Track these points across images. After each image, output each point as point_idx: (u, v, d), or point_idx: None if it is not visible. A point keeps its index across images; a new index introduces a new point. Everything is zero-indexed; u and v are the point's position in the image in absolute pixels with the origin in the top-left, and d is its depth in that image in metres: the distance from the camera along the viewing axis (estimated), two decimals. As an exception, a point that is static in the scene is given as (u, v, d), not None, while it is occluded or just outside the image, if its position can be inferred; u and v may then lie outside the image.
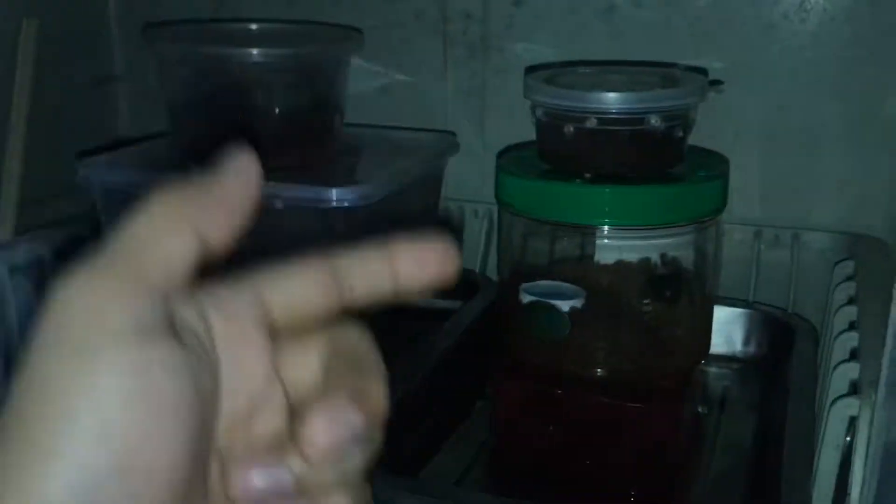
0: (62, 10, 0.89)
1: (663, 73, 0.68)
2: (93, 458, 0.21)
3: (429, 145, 0.78)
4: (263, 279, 0.26)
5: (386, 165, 0.71)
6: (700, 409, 0.70)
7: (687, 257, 0.63)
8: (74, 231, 0.80)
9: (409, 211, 0.75)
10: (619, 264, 0.62)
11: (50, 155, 0.84)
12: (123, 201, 0.67)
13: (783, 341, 0.74)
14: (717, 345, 0.73)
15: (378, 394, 0.25)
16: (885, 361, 0.46)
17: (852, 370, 0.57)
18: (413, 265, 0.28)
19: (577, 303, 0.60)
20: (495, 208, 0.71)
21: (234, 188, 0.25)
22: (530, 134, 0.66)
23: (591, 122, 0.60)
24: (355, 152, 0.79)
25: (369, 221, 0.66)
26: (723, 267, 0.77)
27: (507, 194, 0.64)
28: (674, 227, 0.61)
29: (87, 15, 0.95)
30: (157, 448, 0.22)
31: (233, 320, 0.25)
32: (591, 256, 0.63)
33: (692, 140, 0.65)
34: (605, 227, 0.60)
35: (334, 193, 0.62)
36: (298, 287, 0.26)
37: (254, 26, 0.79)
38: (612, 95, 0.59)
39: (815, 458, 0.56)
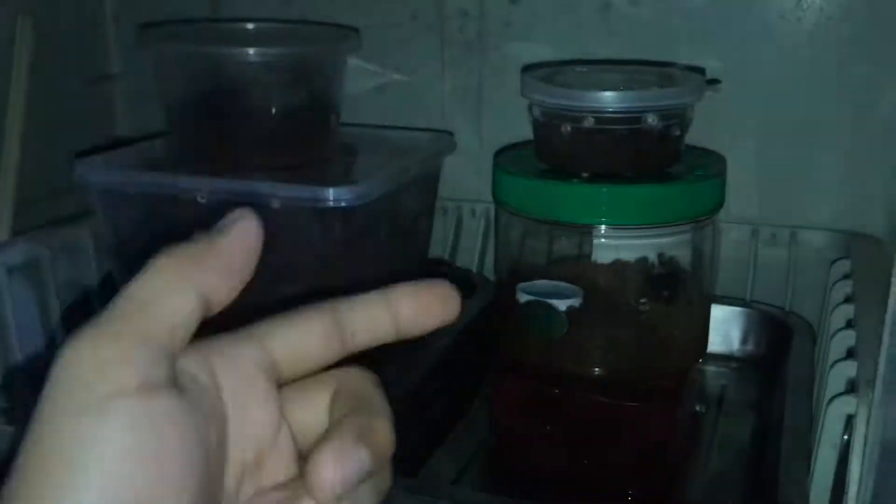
0: (58, 8, 0.89)
1: (660, 72, 0.68)
2: None
3: (426, 145, 0.78)
4: (268, 330, 0.27)
5: (383, 165, 0.71)
6: (698, 408, 0.71)
7: (684, 256, 0.63)
8: (72, 231, 0.80)
9: (406, 210, 0.75)
10: (617, 264, 0.62)
11: (47, 154, 0.84)
12: (120, 201, 0.67)
13: (781, 340, 0.74)
14: (715, 344, 0.74)
15: (385, 431, 0.26)
16: (882, 360, 0.46)
17: (849, 368, 0.57)
18: (414, 310, 0.28)
19: (575, 302, 0.60)
20: (493, 208, 0.71)
21: (235, 249, 0.26)
22: (528, 133, 0.66)
23: (589, 122, 0.60)
24: (352, 152, 0.79)
25: (366, 221, 0.66)
26: (720, 266, 0.77)
27: (504, 193, 0.63)
28: (671, 226, 0.61)
29: (84, 13, 0.95)
30: (164, 499, 0.22)
31: (239, 371, 0.26)
32: (589, 256, 0.62)
33: (689, 139, 0.65)
34: (603, 227, 0.60)
35: (331, 193, 0.61)
36: (302, 336, 0.27)
37: (250, 26, 0.79)
38: (609, 94, 0.59)
39: (813, 456, 0.56)
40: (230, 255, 0.26)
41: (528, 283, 0.62)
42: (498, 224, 0.67)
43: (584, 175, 0.61)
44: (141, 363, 0.23)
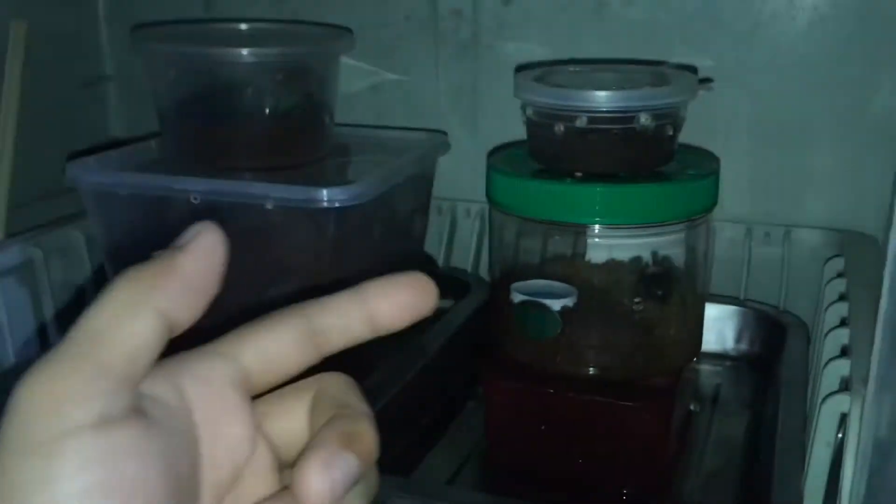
0: (51, 11, 0.89)
1: (653, 71, 0.68)
2: None
3: (420, 145, 0.78)
4: (237, 341, 0.26)
5: (377, 165, 0.71)
6: (692, 407, 0.71)
7: (678, 256, 0.63)
8: (65, 232, 0.80)
9: (401, 210, 0.75)
10: (611, 263, 0.62)
11: (40, 156, 0.83)
12: (113, 203, 0.67)
13: (775, 338, 0.74)
14: (709, 342, 0.74)
15: (368, 434, 0.25)
16: (875, 358, 0.46)
17: (843, 367, 0.57)
18: (388, 307, 0.27)
19: (569, 302, 0.60)
20: (487, 207, 0.71)
21: (196, 266, 0.25)
22: (522, 132, 0.66)
23: (582, 121, 0.60)
24: (346, 152, 0.79)
25: (360, 221, 0.65)
26: (714, 264, 0.77)
27: (498, 193, 0.63)
28: (665, 225, 0.61)
29: (77, 15, 0.95)
30: None
31: (209, 388, 0.25)
32: (583, 255, 0.62)
33: (682, 138, 0.65)
34: (596, 226, 0.60)
35: (325, 194, 0.61)
36: (273, 344, 0.26)
37: (243, 26, 0.79)
38: (602, 94, 0.59)
39: (807, 454, 0.56)
40: (191, 273, 0.24)
41: (522, 283, 0.62)
42: (492, 224, 0.67)
43: (578, 175, 0.61)
44: (98, 397, 0.22)
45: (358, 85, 0.89)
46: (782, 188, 0.80)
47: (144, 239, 0.69)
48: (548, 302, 0.60)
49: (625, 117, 0.60)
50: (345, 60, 0.80)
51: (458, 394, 0.73)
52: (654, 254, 0.63)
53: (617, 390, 0.60)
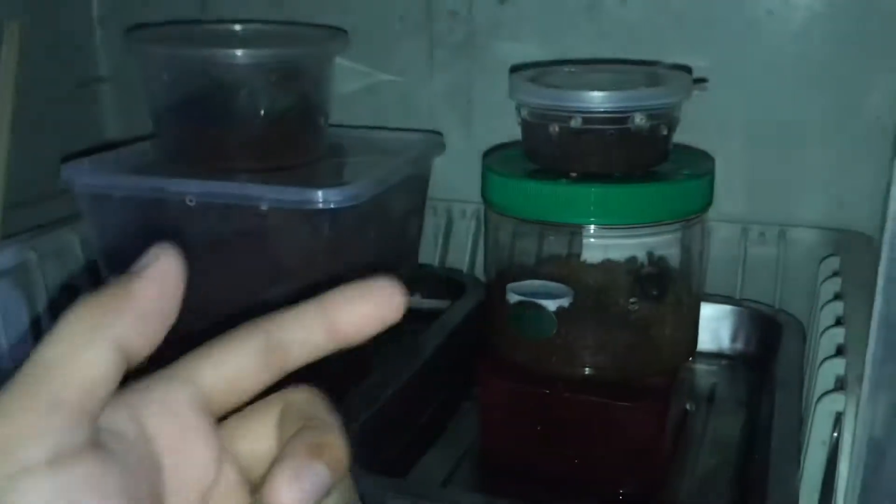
0: (45, 11, 0.89)
1: (648, 71, 0.68)
2: None
3: (415, 146, 0.78)
4: (196, 363, 0.26)
5: (372, 166, 0.71)
6: (688, 407, 0.71)
7: (674, 255, 0.63)
8: (61, 234, 0.80)
9: (396, 212, 0.75)
10: (606, 263, 0.62)
11: (35, 158, 0.83)
12: (108, 205, 0.67)
13: (770, 338, 0.74)
14: (705, 342, 0.74)
15: (337, 444, 0.25)
16: (869, 357, 0.46)
17: (838, 366, 0.57)
18: (351, 317, 0.26)
19: (565, 302, 0.60)
20: (482, 208, 0.71)
21: (153, 293, 0.24)
22: (517, 132, 0.66)
23: (576, 122, 0.60)
24: (341, 153, 0.79)
25: (355, 223, 0.65)
26: (710, 264, 0.77)
27: (493, 194, 0.63)
28: (660, 225, 0.61)
29: (71, 16, 0.95)
30: None
31: (170, 414, 0.25)
32: (578, 255, 0.62)
33: (677, 137, 0.65)
34: (592, 227, 0.60)
35: (320, 195, 0.61)
36: (233, 363, 0.26)
37: (237, 27, 0.79)
38: (596, 95, 0.59)
39: (803, 453, 0.56)
40: (148, 300, 0.24)
41: (517, 284, 0.62)
42: (487, 224, 0.67)
43: (573, 175, 0.61)
44: (52, 432, 0.22)
45: (353, 86, 0.89)
46: (777, 187, 0.80)
47: (139, 241, 0.69)
48: (543, 302, 0.60)
49: (619, 118, 0.60)
50: (340, 61, 0.80)
51: (454, 394, 0.73)
52: (650, 254, 0.63)
53: (613, 390, 0.60)
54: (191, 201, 0.64)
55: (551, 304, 0.60)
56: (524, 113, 0.63)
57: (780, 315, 0.76)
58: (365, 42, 0.87)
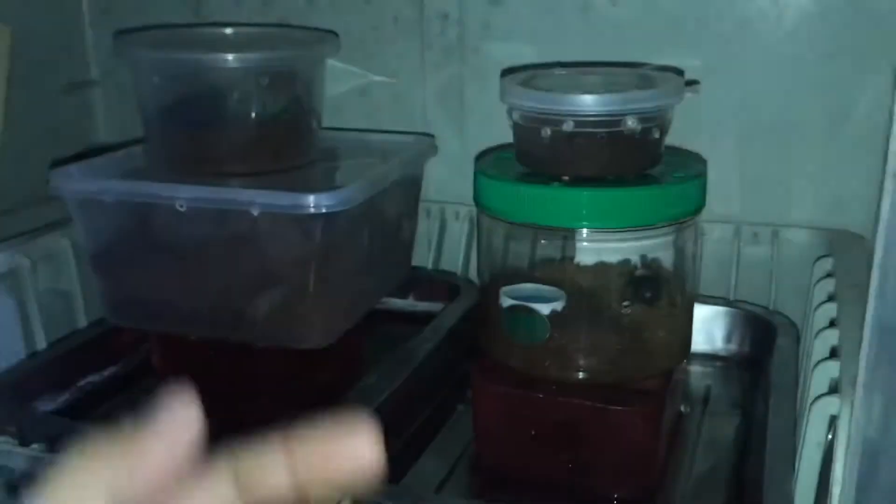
0: (36, 15, 0.88)
1: (640, 73, 0.68)
2: None
3: (407, 148, 0.78)
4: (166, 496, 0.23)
5: (364, 169, 0.70)
6: (682, 409, 0.71)
7: (667, 258, 0.63)
8: (52, 239, 0.80)
9: (389, 215, 0.75)
10: (600, 266, 0.62)
11: (26, 162, 0.83)
12: (98, 210, 0.66)
13: (764, 339, 0.74)
14: (699, 343, 0.74)
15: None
16: (863, 360, 0.46)
17: (832, 368, 0.57)
18: (319, 465, 0.24)
19: (558, 306, 0.60)
20: (476, 210, 0.70)
21: (161, 450, 0.22)
22: (510, 134, 0.66)
23: (568, 125, 0.59)
24: (333, 156, 0.78)
25: (348, 227, 0.65)
26: (703, 265, 0.77)
27: (485, 198, 0.63)
28: (653, 228, 0.60)
29: (62, 20, 0.94)
30: None
31: None
32: (572, 259, 0.62)
33: (669, 139, 0.65)
34: (584, 230, 0.60)
35: (312, 200, 0.61)
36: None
37: (228, 31, 0.78)
38: (588, 98, 0.59)
39: (797, 456, 0.56)
40: (156, 455, 0.22)
41: (510, 287, 0.62)
42: (480, 228, 0.67)
43: (565, 178, 0.61)
44: None
45: (345, 87, 0.89)
46: (770, 188, 0.80)
47: (131, 246, 0.68)
48: (536, 306, 0.60)
49: (611, 121, 0.59)
50: (332, 63, 0.80)
51: (448, 397, 0.73)
52: (643, 256, 0.63)
53: (607, 394, 0.60)
54: (181, 206, 0.63)
55: (545, 308, 0.60)
56: (516, 116, 0.63)
57: (773, 316, 0.76)
58: (357, 44, 0.87)
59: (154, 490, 0.22)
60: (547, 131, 0.61)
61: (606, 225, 0.59)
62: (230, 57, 0.68)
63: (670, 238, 0.62)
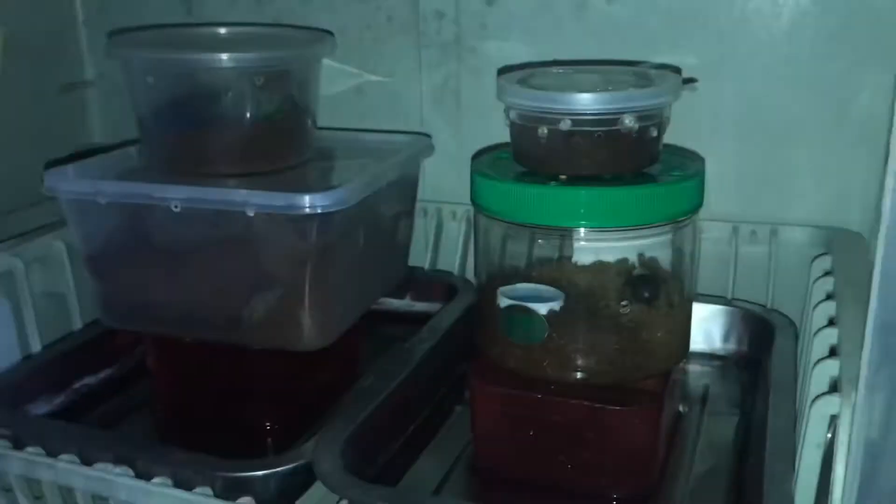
0: (30, 15, 0.88)
1: (637, 72, 0.67)
2: None
3: (404, 147, 0.77)
4: None
5: (360, 169, 0.70)
6: (681, 408, 0.70)
7: (665, 257, 0.63)
8: (46, 241, 0.79)
9: (385, 215, 0.75)
10: (597, 266, 0.62)
11: (20, 163, 0.83)
12: (92, 211, 0.66)
13: (763, 338, 0.74)
14: (697, 342, 0.73)
15: None
16: (864, 360, 0.45)
17: (832, 367, 0.57)
18: None
19: (556, 305, 0.60)
20: (473, 210, 0.70)
21: None
22: (507, 133, 0.66)
23: (565, 124, 0.59)
24: (329, 156, 0.78)
25: (344, 227, 0.65)
26: (701, 264, 0.77)
27: (481, 197, 0.63)
28: (651, 227, 0.60)
29: (56, 20, 0.94)
30: None
31: None
32: (569, 258, 0.62)
33: (667, 137, 0.64)
34: (582, 229, 0.59)
35: (307, 200, 0.61)
36: None
37: (222, 30, 0.78)
38: (585, 96, 0.59)
39: (797, 456, 0.55)
40: None
41: (508, 287, 0.61)
42: (477, 227, 0.66)
43: (562, 177, 0.61)
44: None
45: (341, 87, 0.89)
46: (768, 186, 0.79)
47: (125, 247, 0.68)
48: (534, 306, 0.60)
49: (609, 119, 0.59)
50: (327, 62, 0.80)
51: (445, 398, 0.73)
52: (641, 255, 0.62)
53: (605, 394, 0.60)
54: (176, 207, 0.63)
55: (542, 308, 0.60)
56: (513, 115, 0.63)
57: (772, 315, 0.76)
58: (353, 43, 0.86)
59: None
60: (544, 130, 0.60)
61: (604, 224, 0.59)
62: (224, 57, 0.67)
63: (668, 237, 0.62)
